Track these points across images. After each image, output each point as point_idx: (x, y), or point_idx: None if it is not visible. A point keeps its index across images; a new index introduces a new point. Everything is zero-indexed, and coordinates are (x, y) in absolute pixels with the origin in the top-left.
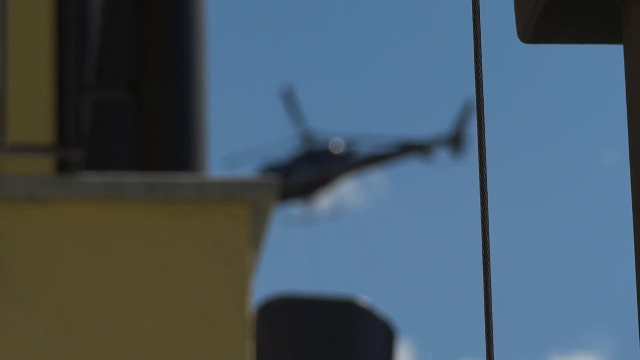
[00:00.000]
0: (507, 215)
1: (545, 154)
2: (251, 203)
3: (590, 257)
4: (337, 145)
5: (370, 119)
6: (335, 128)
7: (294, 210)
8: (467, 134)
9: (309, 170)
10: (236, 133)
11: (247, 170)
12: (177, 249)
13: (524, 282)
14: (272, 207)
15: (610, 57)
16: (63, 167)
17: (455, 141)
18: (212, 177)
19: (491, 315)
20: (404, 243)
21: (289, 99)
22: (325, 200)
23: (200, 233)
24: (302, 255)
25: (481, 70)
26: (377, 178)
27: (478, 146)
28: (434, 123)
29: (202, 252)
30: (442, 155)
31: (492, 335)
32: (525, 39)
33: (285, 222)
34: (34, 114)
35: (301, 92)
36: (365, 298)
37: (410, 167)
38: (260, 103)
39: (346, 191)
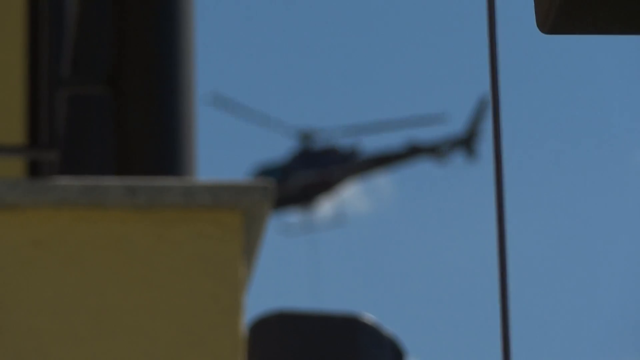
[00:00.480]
0: (526, 222)
1: (568, 153)
2: (244, 210)
3: (620, 267)
4: (338, 145)
5: (377, 116)
6: (336, 126)
7: (291, 217)
8: (482, 133)
9: (308, 173)
10: (228, 132)
11: (238, 175)
12: (161, 261)
13: (545, 296)
14: (266, 214)
15: None
16: (35, 170)
17: (469, 141)
18: (200, 181)
19: (509, 335)
20: (413, 253)
21: (220, 103)
22: (325, 207)
23: (187, 243)
24: (300, 267)
25: (497, 64)
26: (383, 182)
27: (494, 146)
28: (446, 121)
29: (189, 264)
30: (455, 156)
31: (510, 356)
32: (545, 30)
33: (282, 230)
34: (3, 112)
35: (298, 86)
36: (370, 315)
37: (420, 169)
38: (255, 100)
39: (349, 196)
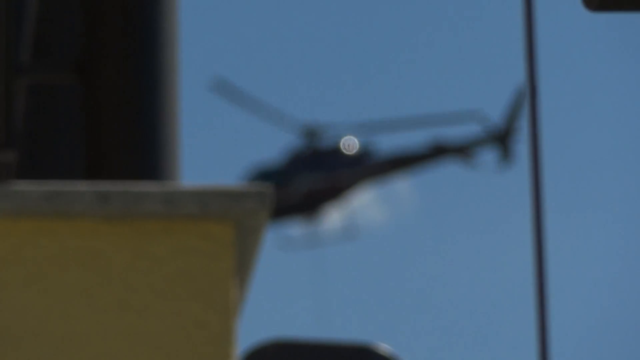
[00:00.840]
0: (569, 234)
1: (618, 153)
2: (236, 220)
3: None
4: (349, 143)
5: (394, 110)
6: (347, 121)
7: (292, 229)
8: (518, 130)
9: (313, 176)
10: (218, 128)
11: (229, 179)
12: (138, 280)
13: (589, 318)
14: (263, 225)
15: None
16: None
17: (503, 139)
18: (185, 187)
19: None
20: (436, 272)
21: (223, 90)
22: (334, 217)
23: (169, 259)
24: (303, 288)
25: (535, 50)
26: (402, 187)
27: (531, 145)
28: (477, 117)
29: (172, 284)
30: (487, 157)
31: None
32: (593, 6)
33: (282, 245)
34: None
35: (304, 74)
36: (385, 345)
37: (446, 172)
38: (255, 89)
39: (362, 204)
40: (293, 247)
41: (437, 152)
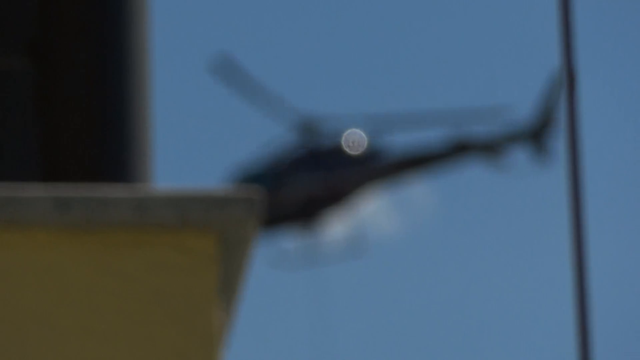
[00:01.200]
0: (614, 246)
1: None
2: (219, 231)
3: None
4: (355, 140)
5: (407, 101)
6: (352, 114)
7: (288, 242)
8: (554, 125)
9: (312, 179)
10: (199, 122)
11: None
12: (103, 300)
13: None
14: (252, 237)
15: None
16: None
17: (536, 136)
18: (159, 191)
19: None
20: (458, 293)
21: (226, 69)
22: (337, 227)
23: (140, 276)
24: (301, 313)
25: (572, 30)
26: (418, 192)
27: (568, 142)
28: (504, 110)
29: (144, 305)
30: (518, 156)
31: None
32: None
33: (276, 262)
34: None
35: (307, 61)
36: None
37: (469, 175)
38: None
39: (370, 212)
40: (288, 264)
41: (458, 150)
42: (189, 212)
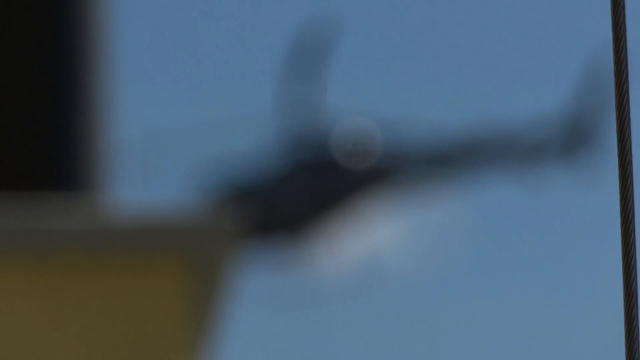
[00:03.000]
0: None
1: None
2: (192, 258)
3: None
4: (363, 142)
5: (428, 105)
6: (361, 113)
7: (280, 274)
8: (597, 124)
9: (311, 192)
10: (169, 116)
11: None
12: (53, 339)
13: None
14: (233, 266)
15: None
16: None
17: (577, 145)
18: (117, 206)
19: None
20: (489, 331)
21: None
22: (342, 253)
23: (95, 311)
24: None
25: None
26: (440, 211)
27: (619, 152)
28: (537, 103)
29: (101, 346)
30: (555, 171)
31: None
32: None
33: (264, 299)
34: None
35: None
36: None
37: (502, 192)
38: (224, 65)
39: (386, 235)
40: (280, 302)
41: (485, 159)
42: (153, 234)
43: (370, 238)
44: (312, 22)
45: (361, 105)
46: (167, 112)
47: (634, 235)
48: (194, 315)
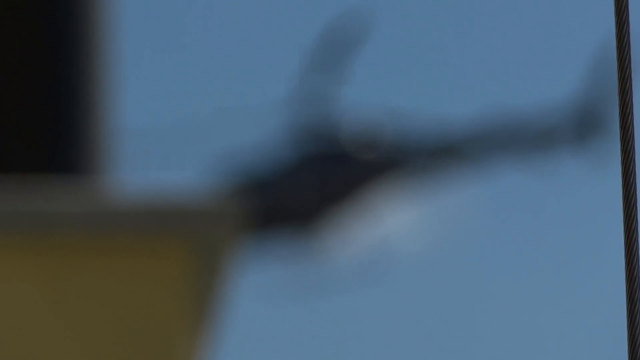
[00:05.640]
0: None
1: None
2: (197, 241)
3: None
4: (372, 133)
5: (432, 96)
6: (370, 100)
7: (286, 265)
8: (607, 112)
9: (319, 182)
10: (179, 101)
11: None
12: (54, 322)
13: None
14: (238, 253)
15: None
16: None
17: (585, 132)
18: (121, 188)
19: None
20: (501, 322)
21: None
22: (350, 243)
23: (96, 297)
24: (307, 354)
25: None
26: (448, 201)
27: (622, 142)
28: (547, 91)
29: (102, 332)
30: (564, 159)
31: None
32: None
33: (269, 290)
34: None
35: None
36: None
37: (510, 180)
38: (229, 54)
39: (395, 226)
40: (285, 293)
41: (495, 148)
42: (156, 217)
43: (380, 228)
44: (343, 16)
45: (370, 96)
46: (178, 101)
47: (637, 220)
48: (197, 298)
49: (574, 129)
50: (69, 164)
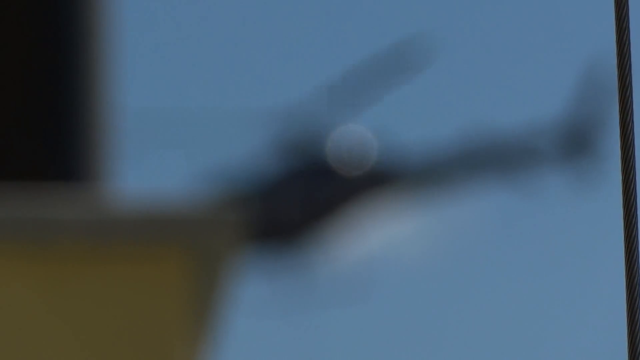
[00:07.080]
0: None
1: None
2: (197, 249)
3: None
4: (358, 149)
5: (431, 99)
6: (356, 117)
7: (279, 276)
8: (595, 132)
9: (311, 195)
10: (177, 108)
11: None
12: (50, 332)
13: None
14: (237, 258)
15: None
16: None
17: (578, 149)
18: (117, 198)
19: None
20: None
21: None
22: (341, 257)
23: (93, 305)
24: None
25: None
26: (438, 217)
27: (622, 159)
28: (534, 111)
29: (96, 340)
30: (556, 176)
31: None
32: None
33: (262, 302)
34: None
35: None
36: None
37: (500, 199)
38: (232, 58)
39: (383, 240)
40: (278, 306)
41: (481, 166)
42: (153, 225)
43: (366, 244)
44: (399, 43)
45: (358, 114)
46: (176, 110)
47: (637, 229)
48: (196, 306)
49: (561, 148)
50: (68, 171)
